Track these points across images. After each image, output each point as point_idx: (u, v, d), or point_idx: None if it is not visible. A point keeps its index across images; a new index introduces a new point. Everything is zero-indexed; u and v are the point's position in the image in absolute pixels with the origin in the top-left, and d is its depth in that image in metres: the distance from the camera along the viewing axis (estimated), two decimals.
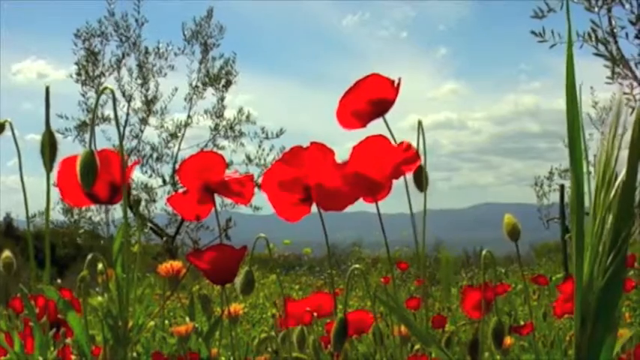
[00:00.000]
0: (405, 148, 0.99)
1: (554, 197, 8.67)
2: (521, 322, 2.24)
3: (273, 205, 1.02)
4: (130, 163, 1.04)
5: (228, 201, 7.94)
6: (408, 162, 0.99)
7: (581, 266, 0.50)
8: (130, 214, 1.00)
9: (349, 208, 1.02)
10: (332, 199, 1.00)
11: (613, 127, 0.51)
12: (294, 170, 0.99)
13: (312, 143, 0.99)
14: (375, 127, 1.06)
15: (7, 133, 0.98)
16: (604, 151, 0.51)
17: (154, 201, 8.75)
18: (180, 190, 1.07)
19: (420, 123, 1.01)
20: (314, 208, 1.01)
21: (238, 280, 1.03)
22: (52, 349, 1.05)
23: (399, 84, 1.02)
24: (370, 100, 1.03)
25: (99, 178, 0.94)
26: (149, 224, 8.49)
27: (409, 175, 1.02)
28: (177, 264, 1.21)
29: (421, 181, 1.01)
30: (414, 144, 1.01)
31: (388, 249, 1.04)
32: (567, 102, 0.50)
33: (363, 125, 1.05)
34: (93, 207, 8.59)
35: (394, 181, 1.03)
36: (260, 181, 1.02)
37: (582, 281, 0.50)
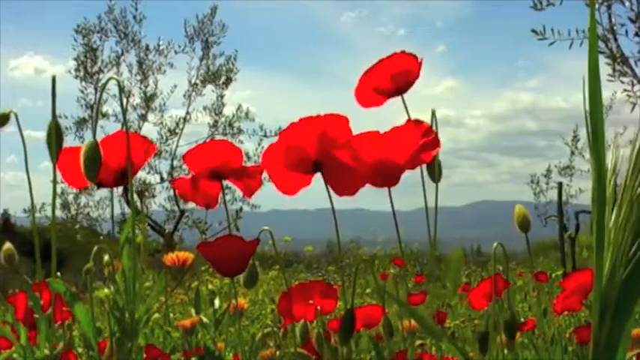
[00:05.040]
0: (423, 133, 0.93)
1: (552, 195, 8.67)
2: (521, 319, 2.24)
3: (271, 175, 0.95)
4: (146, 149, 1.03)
5: (228, 197, 7.94)
6: (427, 148, 0.93)
7: (601, 258, 0.50)
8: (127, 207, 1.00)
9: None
10: (344, 180, 0.95)
11: None
12: (305, 138, 0.91)
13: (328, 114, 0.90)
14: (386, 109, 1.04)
15: (5, 129, 0.96)
16: (637, 143, 0.51)
17: (153, 196, 8.74)
18: (185, 175, 1.05)
19: (433, 113, 0.97)
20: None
21: (242, 274, 1.03)
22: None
23: (420, 62, 1.01)
24: (394, 73, 1.00)
25: (105, 162, 0.94)
26: (147, 220, 8.47)
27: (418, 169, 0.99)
28: (183, 254, 1.20)
29: (434, 170, 0.97)
30: None
31: (401, 244, 1.01)
32: (590, 89, 0.49)
33: (381, 103, 1.03)
34: (91, 203, 8.59)
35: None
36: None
37: (603, 274, 0.50)
